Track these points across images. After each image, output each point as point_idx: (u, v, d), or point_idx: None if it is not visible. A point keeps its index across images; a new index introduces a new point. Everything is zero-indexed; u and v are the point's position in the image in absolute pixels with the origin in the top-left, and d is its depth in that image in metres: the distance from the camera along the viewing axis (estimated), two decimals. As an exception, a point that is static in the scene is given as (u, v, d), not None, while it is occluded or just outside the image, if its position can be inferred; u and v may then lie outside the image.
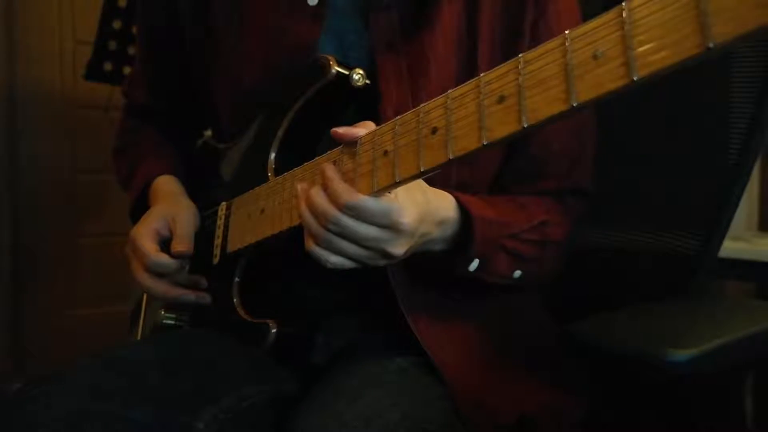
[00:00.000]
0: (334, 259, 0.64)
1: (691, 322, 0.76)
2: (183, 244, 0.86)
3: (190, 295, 0.87)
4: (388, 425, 0.63)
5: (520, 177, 0.83)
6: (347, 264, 0.64)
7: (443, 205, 0.70)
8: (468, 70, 0.79)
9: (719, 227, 0.88)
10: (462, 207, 0.71)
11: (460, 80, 0.78)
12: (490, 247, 0.73)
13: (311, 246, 0.64)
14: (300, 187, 0.66)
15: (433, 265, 0.74)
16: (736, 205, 0.87)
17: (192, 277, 0.89)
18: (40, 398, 0.65)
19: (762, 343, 0.72)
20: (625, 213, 1.03)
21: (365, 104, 0.78)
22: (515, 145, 0.81)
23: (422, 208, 0.65)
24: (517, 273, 0.78)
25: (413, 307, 0.75)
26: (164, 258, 0.85)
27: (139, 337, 1.00)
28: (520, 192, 0.82)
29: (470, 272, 0.73)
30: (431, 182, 0.69)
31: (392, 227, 0.61)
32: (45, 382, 0.67)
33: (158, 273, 0.86)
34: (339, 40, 0.83)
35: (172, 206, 0.90)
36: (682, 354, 0.61)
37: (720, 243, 0.89)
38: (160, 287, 0.86)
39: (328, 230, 0.62)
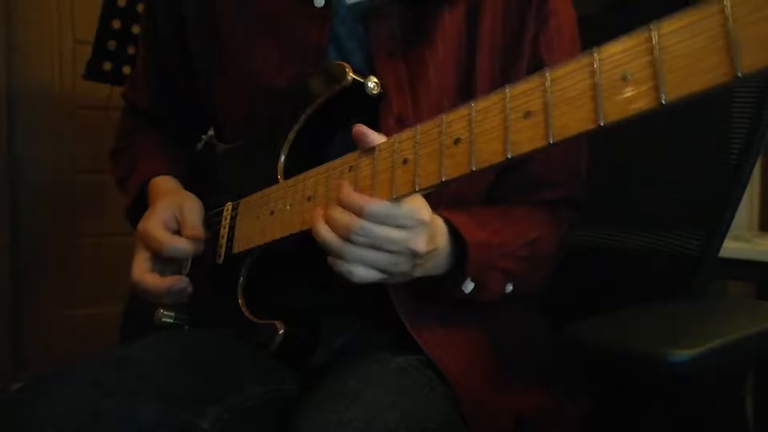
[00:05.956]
0: (361, 272, 0.64)
1: (691, 322, 0.76)
2: (194, 229, 0.85)
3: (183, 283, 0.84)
4: (388, 425, 0.63)
5: (518, 188, 0.83)
6: (371, 275, 0.65)
7: (439, 224, 0.70)
8: (466, 79, 0.79)
9: (720, 227, 0.88)
10: (455, 231, 0.71)
11: (458, 89, 0.79)
12: (484, 270, 0.73)
13: (333, 262, 0.65)
14: (315, 213, 0.66)
15: (429, 288, 0.74)
16: (737, 205, 0.87)
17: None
18: (45, 396, 0.65)
19: (762, 343, 0.71)
20: (625, 213, 1.03)
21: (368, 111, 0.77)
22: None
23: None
24: (509, 288, 0.78)
25: (415, 319, 0.76)
26: (181, 242, 0.84)
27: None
28: (518, 201, 0.82)
29: (466, 294, 0.74)
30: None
31: (416, 224, 0.63)
32: (49, 380, 0.67)
33: (172, 259, 0.85)
34: (339, 46, 0.83)
35: (175, 197, 0.89)
36: (682, 354, 0.61)
37: (721, 243, 0.89)
38: (166, 281, 0.83)
39: (353, 242, 0.62)
